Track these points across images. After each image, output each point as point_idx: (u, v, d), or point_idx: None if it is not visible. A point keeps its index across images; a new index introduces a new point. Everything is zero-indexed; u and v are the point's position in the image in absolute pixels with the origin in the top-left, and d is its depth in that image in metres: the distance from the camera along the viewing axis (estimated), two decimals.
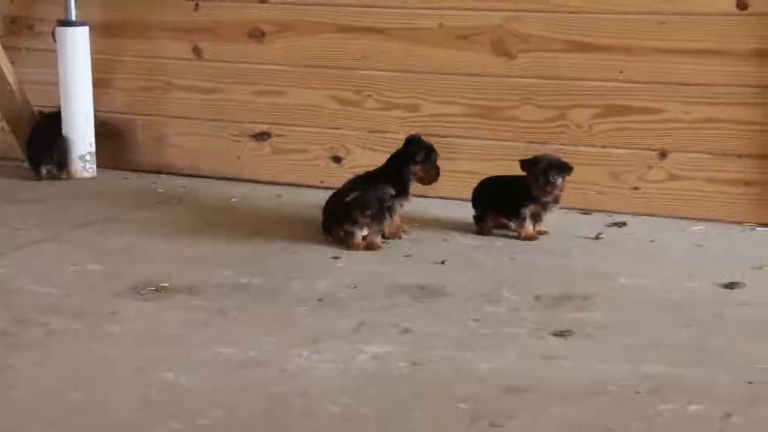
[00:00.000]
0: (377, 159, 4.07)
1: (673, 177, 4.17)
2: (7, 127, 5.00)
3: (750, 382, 2.58)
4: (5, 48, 4.93)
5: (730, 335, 2.92)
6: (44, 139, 4.72)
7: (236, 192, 4.54)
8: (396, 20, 4.44)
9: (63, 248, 3.74)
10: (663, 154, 4.17)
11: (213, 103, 4.81)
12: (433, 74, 4.44)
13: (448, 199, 4.26)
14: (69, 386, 2.55)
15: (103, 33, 4.85)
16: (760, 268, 3.54)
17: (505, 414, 2.39)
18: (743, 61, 3.99)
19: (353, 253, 3.67)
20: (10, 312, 3.07)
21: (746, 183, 4.06)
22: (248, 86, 4.74)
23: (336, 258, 3.63)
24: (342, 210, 3.67)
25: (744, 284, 3.35)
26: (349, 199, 3.60)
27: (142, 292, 3.25)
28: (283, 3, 4.61)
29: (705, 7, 4.01)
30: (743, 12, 3.96)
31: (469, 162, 4.40)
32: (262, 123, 4.74)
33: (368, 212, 3.59)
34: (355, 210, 3.60)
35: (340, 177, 4.02)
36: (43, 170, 4.69)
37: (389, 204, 3.63)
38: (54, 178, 4.69)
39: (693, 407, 2.43)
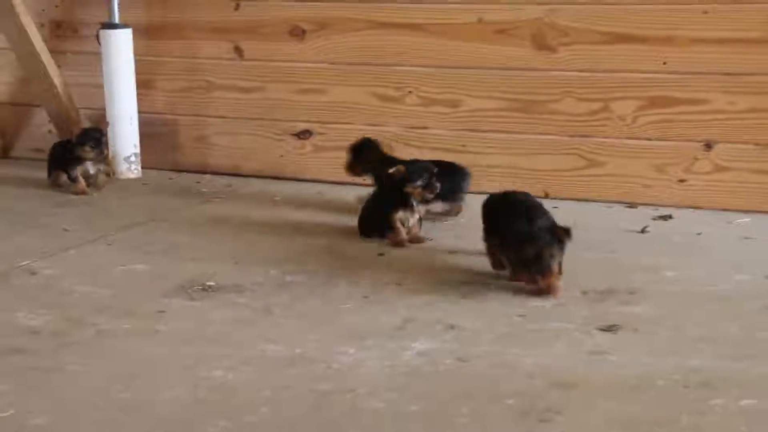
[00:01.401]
0: (418, 155, 4.09)
1: (719, 169, 4.16)
2: (54, 129, 5.06)
3: None
4: (51, 52, 4.99)
5: None
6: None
7: (279, 191, 4.57)
8: (435, 16, 4.45)
9: (110, 249, 3.77)
10: (708, 146, 4.15)
11: (254, 102, 4.84)
12: (473, 69, 4.45)
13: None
14: (118, 385, 2.56)
15: (145, 35, 4.91)
16: None
17: (553, 409, 2.39)
18: None
19: (397, 250, 3.68)
20: (60, 312, 3.09)
21: None
22: (289, 85, 4.76)
23: (381, 255, 3.64)
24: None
25: None
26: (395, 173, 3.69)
27: (189, 291, 3.26)
28: (323, 0, 4.63)
29: None
30: None
31: (510, 157, 4.40)
32: (303, 121, 4.76)
33: (418, 183, 3.66)
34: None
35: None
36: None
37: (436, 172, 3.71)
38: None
39: (745, 401, 2.41)
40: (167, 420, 2.38)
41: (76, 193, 4.50)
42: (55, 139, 4.89)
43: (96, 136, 4.50)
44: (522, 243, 3.10)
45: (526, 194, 3.36)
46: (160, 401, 2.47)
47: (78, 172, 4.52)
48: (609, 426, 2.31)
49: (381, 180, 3.90)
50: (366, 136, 4.25)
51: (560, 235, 3.07)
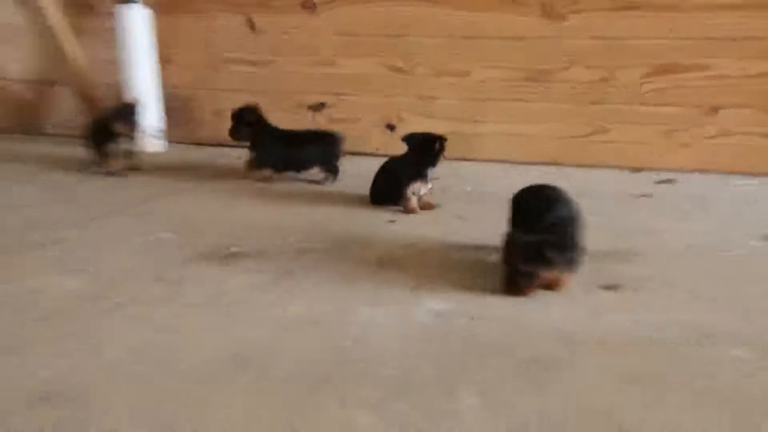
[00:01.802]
0: (430, 126, 4.15)
1: (724, 133, 4.18)
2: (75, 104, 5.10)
3: None
4: (72, 28, 5.00)
5: None
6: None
7: None
8: None
9: (138, 219, 3.82)
10: (714, 110, 4.18)
11: (268, 75, 4.86)
12: (482, 39, 4.46)
13: (502, 162, 4.30)
14: (150, 345, 2.63)
15: (162, 10, 4.91)
16: None
17: (557, 362, 2.47)
18: None
19: (408, 217, 3.74)
20: (96, 280, 3.13)
21: None
22: (302, 57, 4.78)
23: (392, 222, 3.69)
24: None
25: None
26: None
27: (215, 257, 3.31)
28: None
29: None
30: None
31: (521, 125, 4.44)
32: (316, 94, 4.80)
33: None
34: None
35: (395, 144, 4.01)
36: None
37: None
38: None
39: (734, 352, 2.51)
40: (195, 375, 2.45)
41: (112, 169, 4.48)
42: (85, 118, 4.84)
43: (130, 112, 4.45)
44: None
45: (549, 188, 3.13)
46: (188, 359, 2.54)
47: (112, 148, 4.47)
48: (614, 377, 2.40)
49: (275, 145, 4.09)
50: (248, 102, 4.31)
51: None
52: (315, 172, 4.22)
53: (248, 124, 4.25)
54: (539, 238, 2.80)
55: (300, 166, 4.25)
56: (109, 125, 4.43)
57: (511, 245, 2.83)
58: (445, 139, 3.74)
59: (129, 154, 4.53)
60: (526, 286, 2.88)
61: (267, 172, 4.25)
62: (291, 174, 4.30)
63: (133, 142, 4.51)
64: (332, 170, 4.23)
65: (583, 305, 2.86)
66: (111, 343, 2.69)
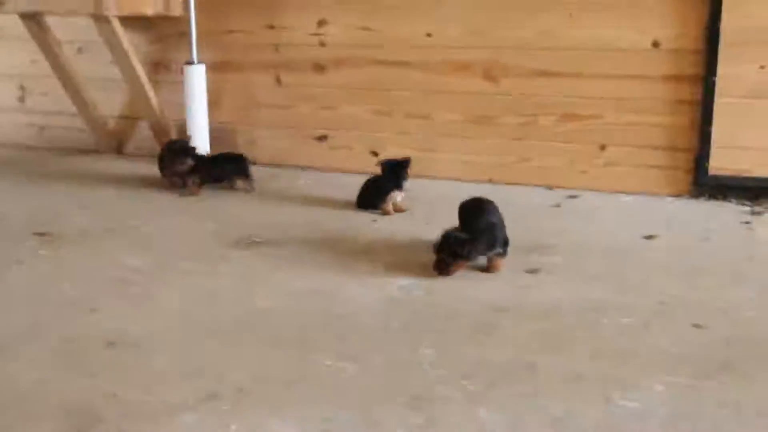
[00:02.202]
0: (404, 153, 4.02)
1: (610, 163, 4.14)
2: (151, 133, 5.04)
3: (662, 303, 2.58)
4: (151, 81, 4.94)
5: (649, 271, 2.89)
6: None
7: (305, 176, 4.52)
8: (415, 56, 4.41)
9: (190, 215, 3.72)
10: (603, 147, 4.13)
11: (288, 115, 4.79)
12: (442, 93, 4.40)
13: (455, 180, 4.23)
14: (191, 308, 2.57)
15: (215, 69, 4.85)
16: (670, 224, 3.51)
17: (494, 326, 2.40)
18: (658, 84, 3.96)
19: (386, 217, 3.65)
20: (153, 257, 3.08)
21: (659, 167, 4.04)
22: (313, 103, 4.72)
23: (374, 221, 3.60)
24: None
25: (658, 236, 3.32)
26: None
27: (243, 244, 3.24)
28: (337, 45, 4.58)
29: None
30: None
31: (467, 155, 4.37)
32: (322, 129, 4.72)
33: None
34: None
35: (376, 167, 3.88)
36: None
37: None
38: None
39: (624, 320, 2.44)
40: (221, 332, 2.39)
41: (189, 194, 4.09)
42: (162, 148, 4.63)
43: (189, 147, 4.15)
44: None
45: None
46: (218, 320, 2.48)
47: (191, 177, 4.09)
48: (532, 337, 2.33)
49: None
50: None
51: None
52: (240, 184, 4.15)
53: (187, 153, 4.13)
54: (454, 236, 2.79)
55: (224, 178, 4.16)
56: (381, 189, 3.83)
57: (440, 240, 2.82)
58: (409, 160, 3.72)
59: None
60: (449, 269, 2.81)
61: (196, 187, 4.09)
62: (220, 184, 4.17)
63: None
64: (248, 179, 4.15)
65: (511, 284, 2.78)
66: (163, 305, 2.62)
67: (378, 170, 3.78)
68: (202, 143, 4.73)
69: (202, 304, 2.60)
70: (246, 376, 2.08)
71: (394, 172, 3.72)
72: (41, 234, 3.35)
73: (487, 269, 2.88)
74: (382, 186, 3.74)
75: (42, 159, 5.06)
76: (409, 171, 3.72)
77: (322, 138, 4.74)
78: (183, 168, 4.10)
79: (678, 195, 3.99)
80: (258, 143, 4.89)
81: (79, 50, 5.16)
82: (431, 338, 2.31)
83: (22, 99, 5.47)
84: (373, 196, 3.74)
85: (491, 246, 2.85)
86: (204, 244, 3.26)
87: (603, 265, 2.95)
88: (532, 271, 2.88)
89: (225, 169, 4.18)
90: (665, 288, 2.70)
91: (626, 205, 3.87)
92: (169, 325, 2.44)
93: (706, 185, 3.93)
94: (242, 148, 4.85)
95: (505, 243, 2.90)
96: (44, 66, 5.05)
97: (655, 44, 3.94)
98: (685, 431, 1.81)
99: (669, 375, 2.06)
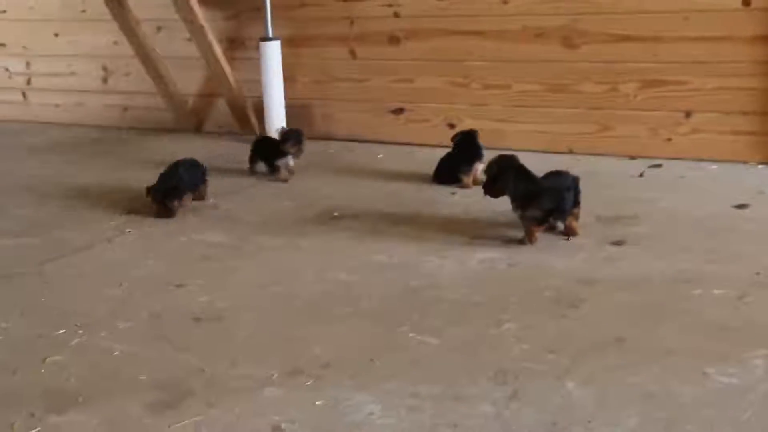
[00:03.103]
0: (480, 125, 3.96)
1: (695, 131, 3.97)
2: (229, 111, 5.08)
3: (757, 273, 2.47)
4: (227, 58, 4.97)
5: (742, 241, 2.77)
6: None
7: (382, 151, 4.48)
8: (491, 24, 4.30)
9: (267, 192, 3.72)
10: (688, 114, 3.96)
11: (364, 89, 4.75)
12: (519, 62, 4.29)
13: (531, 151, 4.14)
14: (273, 283, 2.58)
15: (289, 44, 4.84)
16: (762, 193, 3.35)
17: (579, 299, 2.34)
18: (747, 46, 3.75)
19: (465, 190, 3.57)
20: (235, 233, 3.09)
21: (748, 133, 3.85)
22: (388, 76, 4.66)
23: (453, 193, 3.55)
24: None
25: (750, 205, 3.18)
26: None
27: (322, 219, 3.23)
28: (411, 16, 4.51)
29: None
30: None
31: (547, 125, 4.26)
32: (398, 102, 4.66)
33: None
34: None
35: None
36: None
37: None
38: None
39: (716, 291, 2.34)
40: (306, 306, 2.40)
41: (280, 180, 3.94)
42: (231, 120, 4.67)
43: (297, 136, 3.94)
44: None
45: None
46: (301, 294, 2.48)
47: (281, 163, 3.93)
48: (623, 308, 2.26)
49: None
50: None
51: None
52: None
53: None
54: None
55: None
56: (280, 145, 3.93)
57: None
58: (476, 132, 3.67)
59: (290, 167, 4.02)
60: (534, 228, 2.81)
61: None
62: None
63: (296, 158, 3.99)
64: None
65: (596, 256, 2.69)
66: (243, 281, 2.63)
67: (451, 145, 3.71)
68: (277, 120, 4.76)
69: (281, 280, 2.60)
70: (329, 350, 2.08)
71: (469, 145, 3.65)
72: (127, 213, 3.41)
73: (566, 232, 2.85)
74: (460, 159, 3.67)
75: (128, 140, 5.13)
76: (480, 144, 3.63)
77: (398, 111, 4.70)
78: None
79: None
80: (334, 118, 4.87)
81: (158, 29, 5.24)
82: (514, 311, 2.26)
83: (105, 80, 5.60)
84: (453, 169, 3.67)
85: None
86: (282, 219, 3.25)
87: (691, 236, 2.84)
88: (618, 243, 2.78)
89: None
90: (759, 258, 2.58)
91: (714, 174, 3.71)
92: (250, 302, 2.45)
93: None
94: (318, 124, 4.87)
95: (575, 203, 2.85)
96: (126, 47, 5.15)
97: (746, 2, 3.74)
98: None
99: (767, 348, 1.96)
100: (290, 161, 3.97)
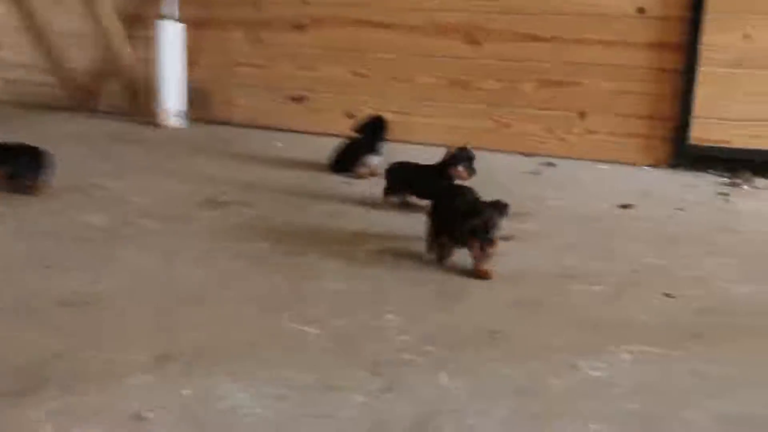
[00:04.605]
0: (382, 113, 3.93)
1: (589, 132, 4.05)
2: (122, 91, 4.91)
3: (634, 271, 2.52)
4: (127, 37, 4.81)
5: (623, 240, 2.84)
6: None
7: (281, 138, 4.42)
8: (398, 17, 4.31)
9: (159, 174, 3.63)
10: (582, 115, 4.04)
11: (267, 76, 4.67)
12: (423, 56, 4.30)
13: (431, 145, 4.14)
14: (156, 266, 2.49)
15: (194, 26, 4.71)
16: (647, 194, 3.44)
17: (466, 291, 2.34)
18: (641, 51, 3.87)
19: (359, 181, 3.55)
20: (117, 215, 2.99)
21: (638, 136, 3.98)
22: (292, 63, 4.59)
23: (345, 182, 3.53)
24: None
25: (635, 205, 3.26)
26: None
27: (210, 203, 3.16)
28: (319, 4, 4.48)
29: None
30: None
31: (446, 119, 4.30)
32: (300, 90, 4.59)
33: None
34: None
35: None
36: None
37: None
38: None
39: (595, 287, 2.37)
40: (184, 292, 2.31)
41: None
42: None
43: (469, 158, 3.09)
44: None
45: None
46: (180, 279, 2.40)
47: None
48: (504, 302, 2.27)
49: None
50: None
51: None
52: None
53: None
54: None
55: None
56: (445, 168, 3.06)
57: None
58: (385, 123, 3.60)
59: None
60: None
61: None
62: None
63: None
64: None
65: None
66: (127, 265, 2.52)
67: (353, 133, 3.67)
68: (177, 102, 4.62)
69: (163, 262, 2.51)
70: (203, 337, 2.00)
71: (370, 136, 3.61)
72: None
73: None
74: (357, 150, 3.62)
75: (10, 114, 4.88)
76: (385, 134, 3.61)
77: (299, 99, 4.62)
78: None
79: (656, 165, 3.93)
80: (234, 103, 4.78)
81: (55, 2, 5.00)
82: (398, 303, 2.23)
83: None
84: (348, 160, 3.63)
85: None
86: (171, 203, 3.16)
87: (577, 234, 2.88)
88: (506, 239, 2.75)
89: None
90: (638, 257, 2.64)
91: (604, 174, 3.80)
92: (137, 284, 2.34)
93: (685, 155, 3.87)
94: (217, 108, 4.75)
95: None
96: (15, 17, 4.90)
97: (640, 10, 3.84)
98: (649, 400, 1.75)
99: (637, 344, 2.00)
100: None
